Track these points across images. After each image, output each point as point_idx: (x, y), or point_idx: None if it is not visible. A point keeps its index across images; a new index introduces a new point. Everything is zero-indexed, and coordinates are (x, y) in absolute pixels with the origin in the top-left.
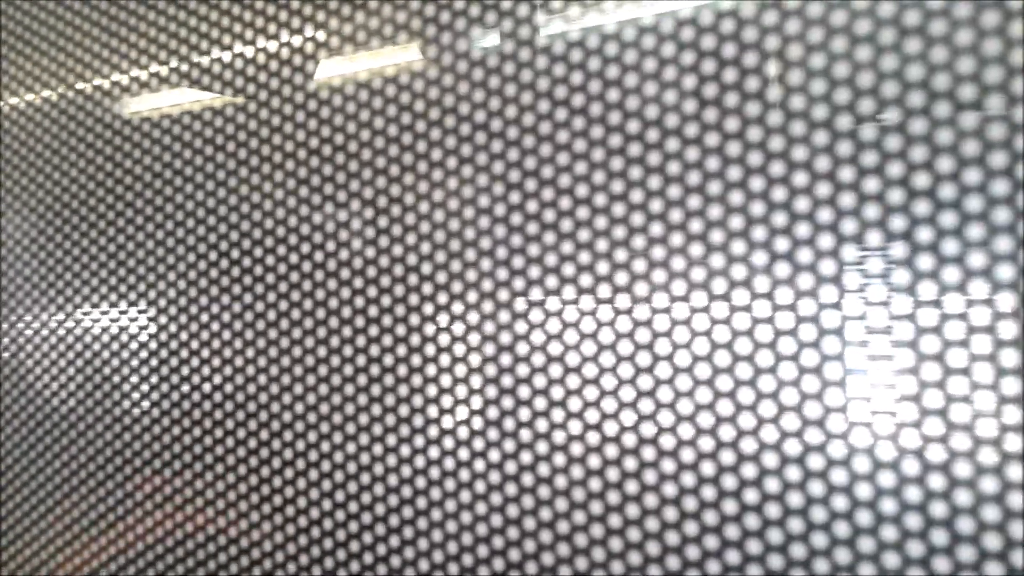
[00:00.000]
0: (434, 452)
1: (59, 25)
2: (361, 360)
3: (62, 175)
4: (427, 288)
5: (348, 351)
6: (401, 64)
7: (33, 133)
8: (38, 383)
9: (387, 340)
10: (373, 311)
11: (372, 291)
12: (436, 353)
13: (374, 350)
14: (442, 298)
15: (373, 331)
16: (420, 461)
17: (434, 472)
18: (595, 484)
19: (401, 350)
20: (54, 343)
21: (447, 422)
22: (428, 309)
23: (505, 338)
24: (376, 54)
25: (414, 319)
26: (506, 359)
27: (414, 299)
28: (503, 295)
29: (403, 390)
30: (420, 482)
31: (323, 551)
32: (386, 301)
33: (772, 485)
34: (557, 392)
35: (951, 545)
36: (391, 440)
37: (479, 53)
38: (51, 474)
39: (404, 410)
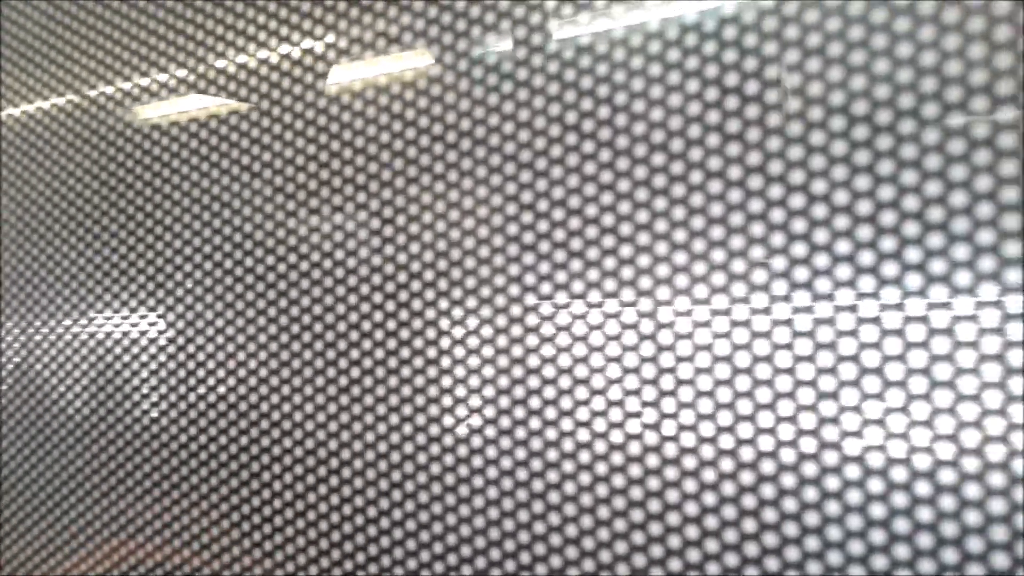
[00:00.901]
0: (476, 462)
1: (69, 30)
2: (380, 354)
3: (76, 181)
4: (441, 294)
5: (358, 353)
6: (413, 69)
7: (43, 138)
8: (51, 390)
9: (400, 341)
10: (380, 316)
11: (380, 296)
12: (452, 354)
13: (384, 351)
14: (456, 302)
15: (383, 333)
16: (464, 471)
17: (478, 482)
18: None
19: (417, 354)
20: (63, 348)
21: (469, 422)
22: (441, 313)
23: (521, 339)
24: (388, 60)
25: (427, 322)
26: (521, 359)
27: (427, 303)
28: (523, 298)
29: (427, 392)
30: (464, 491)
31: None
32: (397, 305)
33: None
34: (567, 397)
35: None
36: (419, 440)
37: (492, 58)
38: (62, 480)
39: (430, 412)
